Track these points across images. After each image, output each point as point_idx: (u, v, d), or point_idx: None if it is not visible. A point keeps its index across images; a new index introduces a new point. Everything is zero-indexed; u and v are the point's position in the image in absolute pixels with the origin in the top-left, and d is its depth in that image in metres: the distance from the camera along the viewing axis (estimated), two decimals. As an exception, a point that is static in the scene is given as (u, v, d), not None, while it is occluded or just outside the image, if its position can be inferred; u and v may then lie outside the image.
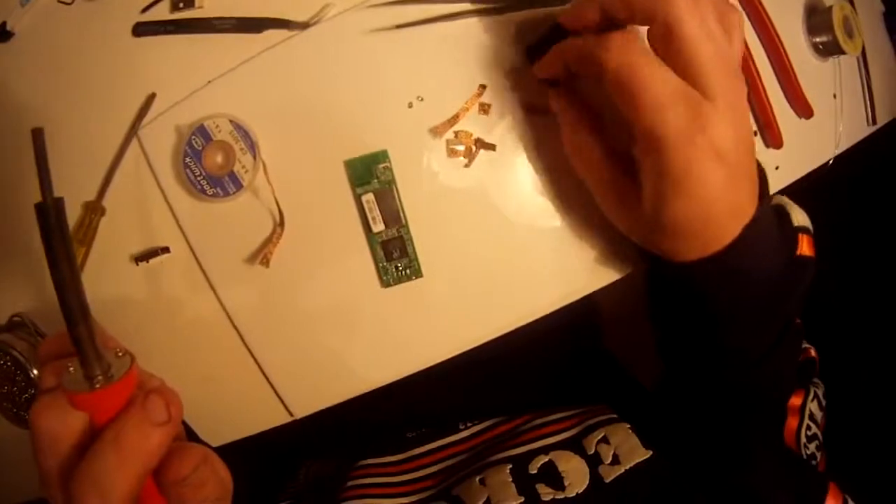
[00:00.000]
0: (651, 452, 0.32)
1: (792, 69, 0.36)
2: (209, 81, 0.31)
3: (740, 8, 0.35)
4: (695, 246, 0.26)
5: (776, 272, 0.28)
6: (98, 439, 0.20)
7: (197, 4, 0.30)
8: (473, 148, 0.31)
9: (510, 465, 0.33)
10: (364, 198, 0.30)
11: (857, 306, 0.55)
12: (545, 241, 0.32)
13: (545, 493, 0.31)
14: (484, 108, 0.31)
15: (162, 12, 0.31)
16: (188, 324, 0.31)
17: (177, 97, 0.31)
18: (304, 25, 0.31)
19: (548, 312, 0.32)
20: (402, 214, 0.30)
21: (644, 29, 0.25)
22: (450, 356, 0.32)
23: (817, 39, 0.38)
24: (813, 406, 0.37)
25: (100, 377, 0.21)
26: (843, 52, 0.38)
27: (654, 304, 0.32)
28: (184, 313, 0.31)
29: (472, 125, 0.31)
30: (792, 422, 0.36)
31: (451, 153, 0.31)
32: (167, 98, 0.31)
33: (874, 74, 0.42)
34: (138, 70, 0.31)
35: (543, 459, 0.33)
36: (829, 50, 0.38)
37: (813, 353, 0.40)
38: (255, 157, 0.30)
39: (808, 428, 0.36)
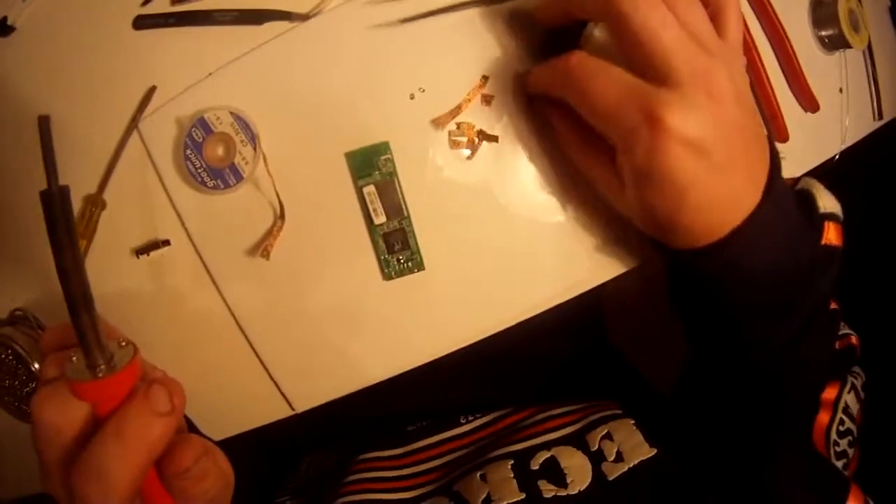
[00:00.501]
0: (655, 450, 0.31)
1: (797, 62, 0.36)
2: (210, 74, 0.30)
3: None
4: (688, 238, 0.26)
5: (794, 262, 0.27)
6: (100, 429, 0.20)
7: (197, -4, 0.30)
8: (476, 139, 0.31)
9: (512, 461, 0.33)
10: (365, 190, 0.30)
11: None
12: (549, 233, 0.32)
13: (547, 489, 0.31)
14: (486, 100, 0.31)
15: (162, 5, 0.31)
16: (189, 316, 0.31)
17: (177, 90, 0.30)
18: (304, 17, 0.30)
19: (552, 306, 0.32)
20: (403, 206, 0.30)
21: None
22: (453, 350, 0.32)
23: (823, 33, 0.37)
24: (849, 398, 0.35)
25: (102, 366, 0.21)
26: (848, 46, 0.37)
27: (674, 291, 0.31)
28: (184, 306, 0.31)
29: (475, 117, 0.31)
30: (823, 416, 0.34)
31: (454, 145, 0.31)
32: (168, 91, 0.31)
33: (881, 69, 0.42)
34: (139, 63, 0.31)
35: (545, 455, 0.33)
36: (834, 43, 0.37)
37: (854, 340, 0.37)
38: (255, 149, 0.29)
39: (841, 423, 0.34)
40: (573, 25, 0.28)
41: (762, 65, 0.35)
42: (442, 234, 0.31)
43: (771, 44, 0.36)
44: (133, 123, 0.31)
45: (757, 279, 0.26)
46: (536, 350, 0.47)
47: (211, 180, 0.30)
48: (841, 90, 0.39)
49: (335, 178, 0.30)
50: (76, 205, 0.31)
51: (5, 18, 0.31)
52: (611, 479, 0.31)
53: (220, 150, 0.30)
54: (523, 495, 0.30)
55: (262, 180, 0.30)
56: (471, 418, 0.40)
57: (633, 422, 0.34)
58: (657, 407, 0.37)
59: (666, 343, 0.42)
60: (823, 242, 0.31)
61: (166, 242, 0.31)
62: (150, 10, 0.31)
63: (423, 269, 0.31)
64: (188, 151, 0.29)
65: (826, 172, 0.38)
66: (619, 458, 0.32)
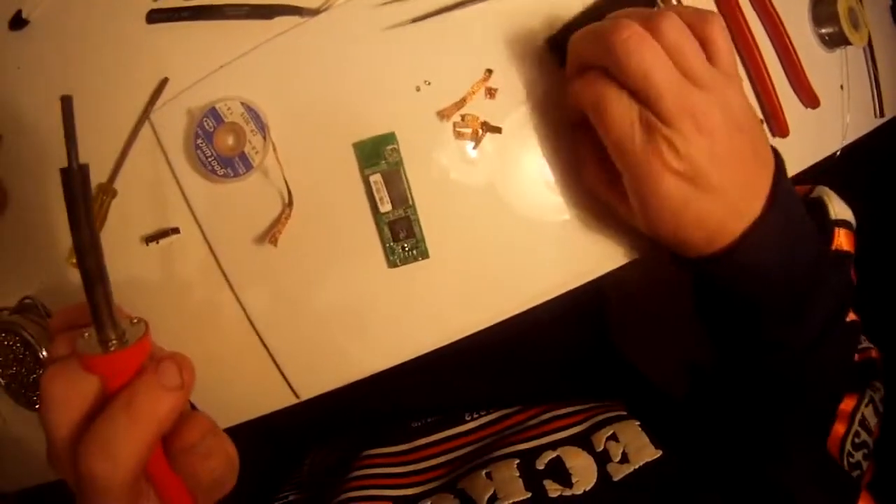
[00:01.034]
0: (661, 452, 0.31)
1: (797, 58, 0.36)
2: (221, 66, 0.31)
3: (716, 11, 0.34)
4: (692, 247, 0.28)
5: (803, 264, 0.28)
6: (110, 403, 0.21)
7: (210, -9, 0.31)
8: (480, 131, 0.31)
9: (517, 460, 0.33)
10: (372, 178, 0.30)
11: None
12: (552, 223, 0.32)
13: (553, 489, 0.30)
14: (490, 93, 0.31)
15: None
16: (196, 304, 0.32)
17: (189, 82, 0.31)
18: (314, 12, 0.31)
19: (555, 295, 0.32)
20: (409, 195, 0.31)
21: None
22: (457, 339, 0.32)
23: (823, 30, 0.38)
24: (867, 411, 0.36)
25: (114, 341, 0.21)
26: (848, 43, 0.38)
27: (698, 299, 0.32)
28: (192, 293, 0.32)
29: (479, 109, 0.31)
30: (839, 427, 0.34)
31: (458, 136, 0.31)
32: (180, 83, 0.31)
33: (882, 67, 0.42)
34: (151, 56, 0.32)
35: (551, 455, 0.33)
36: (835, 41, 0.38)
37: (874, 353, 0.38)
38: (265, 139, 0.30)
39: (857, 435, 0.35)
40: None
41: (763, 61, 0.35)
42: (446, 222, 0.31)
43: (771, 41, 0.36)
44: (145, 114, 0.31)
45: (765, 281, 0.28)
46: (540, 348, 0.47)
47: (221, 169, 0.30)
48: (842, 87, 0.39)
49: (342, 168, 0.31)
50: (88, 194, 0.32)
51: (20, 12, 0.32)
52: (616, 479, 0.31)
53: (231, 140, 0.30)
54: (529, 494, 0.30)
55: (271, 169, 0.31)
56: (476, 416, 0.40)
57: (638, 423, 0.34)
58: (661, 407, 0.37)
59: (668, 343, 0.42)
60: (834, 247, 0.32)
61: (176, 230, 0.31)
62: (163, 4, 0.31)
63: (428, 256, 0.31)
64: (199, 140, 0.30)
65: (829, 172, 0.38)
66: (625, 458, 0.32)
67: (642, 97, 0.25)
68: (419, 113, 0.31)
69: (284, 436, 0.45)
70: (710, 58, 0.26)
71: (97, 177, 0.32)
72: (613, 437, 0.33)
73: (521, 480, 0.31)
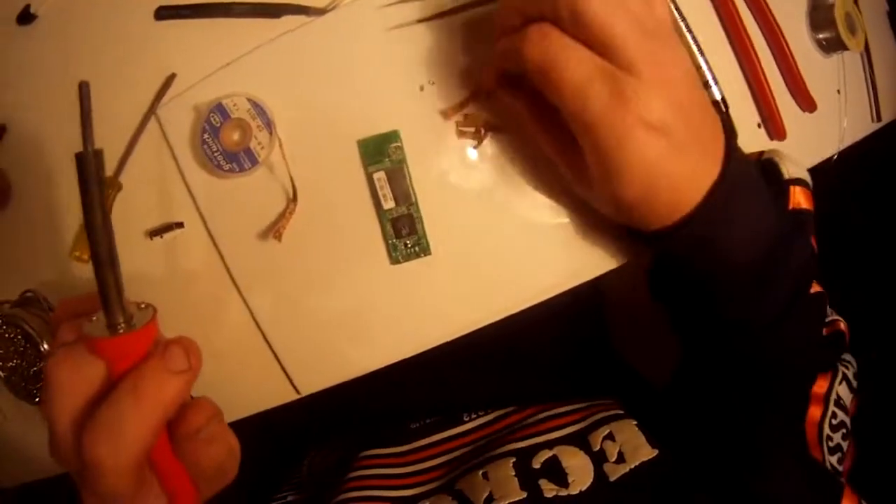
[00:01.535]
0: (657, 451, 0.31)
1: (794, 62, 0.36)
2: (228, 63, 0.31)
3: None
4: (655, 217, 0.26)
5: (763, 230, 0.27)
6: (116, 388, 0.20)
7: (218, -11, 0.32)
8: (482, 130, 0.31)
9: (514, 459, 0.33)
10: (375, 176, 0.31)
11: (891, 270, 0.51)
12: (552, 223, 0.32)
13: (548, 489, 0.30)
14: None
15: (184, -4, 0.32)
16: (199, 298, 0.32)
17: (196, 78, 0.31)
18: (321, 11, 0.32)
19: (555, 294, 0.32)
20: (412, 193, 0.31)
21: None
22: (458, 335, 0.32)
23: (820, 35, 0.38)
24: (841, 389, 0.34)
25: (122, 324, 0.21)
26: (846, 48, 0.38)
27: (653, 277, 0.32)
28: (196, 288, 0.32)
29: (482, 108, 0.31)
30: (815, 411, 0.33)
31: (461, 134, 0.31)
32: (187, 79, 0.32)
33: (878, 72, 0.43)
34: (159, 52, 0.32)
35: (547, 454, 0.32)
36: (832, 46, 0.38)
37: (842, 325, 0.36)
38: (271, 134, 0.30)
39: (834, 416, 0.34)
40: None
41: (760, 65, 0.36)
42: (448, 220, 0.31)
43: (769, 45, 0.37)
44: (151, 109, 0.32)
45: (728, 251, 0.27)
46: (539, 348, 0.47)
47: (226, 164, 0.30)
48: (839, 91, 0.40)
49: (347, 165, 0.31)
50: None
51: (28, 7, 0.33)
52: (612, 479, 0.30)
53: (237, 135, 0.30)
54: (524, 494, 0.30)
55: (276, 165, 0.31)
56: (473, 416, 0.40)
57: (635, 423, 0.34)
58: (658, 406, 0.37)
59: (665, 344, 0.42)
60: (791, 207, 0.31)
61: (180, 225, 0.32)
62: (171, 1, 0.32)
63: (430, 253, 0.31)
64: (205, 135, 0.30)
65: (827, 175, 0.39)
66: (621, 458, 0.31)
67: (599, 48, 0.23)
68: (423, 112, 0.31)
69: (284, 436, 0.45)
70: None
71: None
72: (610, 437, 0.33)
73: (516, 480, 0.31)
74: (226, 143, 0.30)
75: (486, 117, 0.31)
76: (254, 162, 0.30)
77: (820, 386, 0.34)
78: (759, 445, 0.31)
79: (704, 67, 0.33)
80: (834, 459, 0.33)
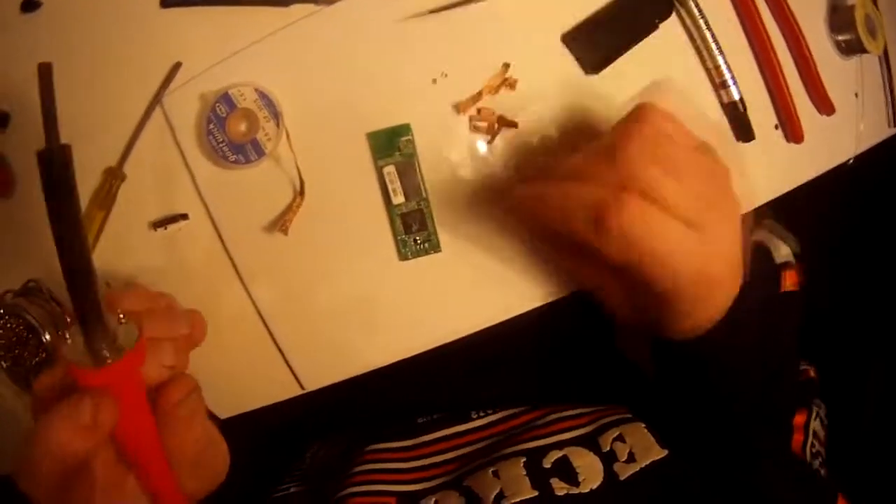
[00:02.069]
0: (667, 452, 0.31)
1: (814, 64, 0.36)
2: (235, 52, 0.31)
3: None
4: (681, 318, 0.28)
5: (760, 320, 0.29)
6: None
7: (226, -23, 0.31)
8: (496, 125, 0.31)
9: (524, 459, 0.33)
10: (385, 170, 0.30)
11: (856, 322, 0.55)
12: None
13: (559, 487, 0.30)
14: (511, 84, 0.31)
15: (192, -16, 0.31)
16: (203, 291, 0.31)
17: (203, 67, 0.31)
18: (331, 0, 0.31)
19: (566, 294, 0.32)
20: (422, 188, 0.30)
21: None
22: (466, 333, 0.32)
23: (840, 37, 0.38)
24: (816, 425, 0.37)
25: (105, 350, 0.19)
26: (865, 51, 0.38)
27: (661, 372, 0.33)
28: (199, 280, 0.31)
29: (495, 103, 0.31)
30: (798, 437, 0.36)
31: (474, 129, 0.31)
32: (193, 68, 0.31)
33: (896, 76, 0.42)
34: (165, 41, 0.31)
35: (558, 455, 0.32)
36: (851, 48, 0.38)
37: (812, 373, 0.40)
38: (278, 126, 0.30)
39: (812, 445, 0.36)
40: None
41: (780, 66, 0.35)
42: (459, 216, 0.31)
43: (788, 46, 0.36)
44: (157, 98, 0.31)
45: (742, 354, 0.29)
46: (547, 348, 0.47)
47: (232, 155, 0.30)
48: (857, 95, 0.39)
49: (356, 158, 0.30)
50: (96, 177, 0.31)
51: (33, -7, 0.32)
52: (622, 478, 0.30)
53: (243, 126, 0.30)
54: (536, 493, 0.30)
55: (283, 157, 0.30)
56: (482, 414, 0.40)
57: (644, 425, 0.34)
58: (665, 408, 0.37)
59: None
60: (782, 291, 0.34)
61: (184, 216, 0.31)
62: (179, -12, 0.31)
63: (440, 250, 0.31)
64: (211, 126, 0.30)
65: (839, 182, 0.38)
66: (631, 458, 0.31)
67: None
68: (435, 105, 0.31)
69: (287, 427, 0.45)
70: None
71: (106, 160, 0.31)
72: (620, 438, 0.33)
73: (527, 479, 0.31)
74: (232, 133, 0.30)
75: (500, 112, 0.31)
76: (260, 153, 0.30)
77: (799, 419, 0.37)
78: (749, 450, 0.32)
79: (723, 67, 0.32)
80: None
